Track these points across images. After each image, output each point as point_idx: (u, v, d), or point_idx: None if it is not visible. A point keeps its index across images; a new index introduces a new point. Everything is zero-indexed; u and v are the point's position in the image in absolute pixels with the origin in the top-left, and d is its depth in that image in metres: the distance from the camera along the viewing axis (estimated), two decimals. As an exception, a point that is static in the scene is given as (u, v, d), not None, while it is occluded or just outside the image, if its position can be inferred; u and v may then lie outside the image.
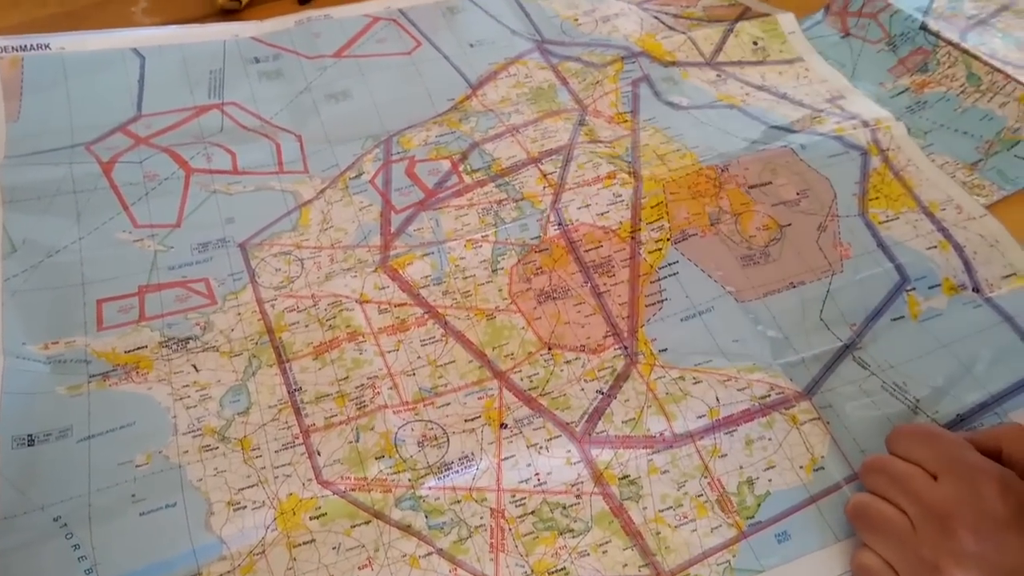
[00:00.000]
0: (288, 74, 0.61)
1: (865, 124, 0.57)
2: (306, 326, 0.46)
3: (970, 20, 0.68)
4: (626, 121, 0.59)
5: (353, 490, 0.40)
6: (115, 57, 0.59)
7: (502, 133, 0.57)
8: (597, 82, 0.62)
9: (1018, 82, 0.60)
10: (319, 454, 0.41)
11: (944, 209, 0.54)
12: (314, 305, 0.47)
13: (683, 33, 0.65)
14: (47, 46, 0.59)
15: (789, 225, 0.52)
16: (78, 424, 0.42)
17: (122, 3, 0.66)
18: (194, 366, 0.45)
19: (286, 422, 0.43)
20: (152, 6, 0.66)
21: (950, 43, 0.64)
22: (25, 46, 0.58)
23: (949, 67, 0.63)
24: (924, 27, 0.65)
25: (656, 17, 0.68)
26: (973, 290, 0.50)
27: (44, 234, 0.49)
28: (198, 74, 0.60)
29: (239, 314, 0.47)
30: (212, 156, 0.55)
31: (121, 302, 0.47)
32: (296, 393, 0.44)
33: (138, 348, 0.45)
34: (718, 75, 0.63)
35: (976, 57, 0.62)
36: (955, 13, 0.69)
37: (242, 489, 0.40)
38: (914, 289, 0.49)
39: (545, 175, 0.54)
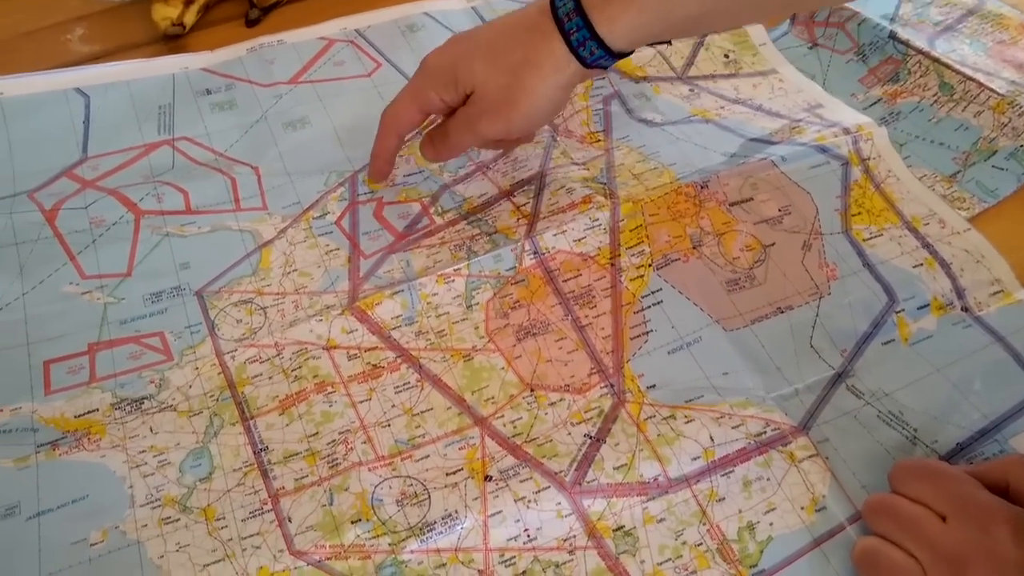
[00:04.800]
0: (242, 104, 0.58)
1: (846, 131, 0.56)
2: (270, 378, 0.43)
3: (937, 27, 0.68)
4: (599, 141, 0.57)
5: (329, 559, 0.37)
6: (58, 99, 0.56)
7: (472, 172, 0.54)
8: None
9: (991, 90, 0.59)
10: (290, 521, 0.38)
11: (927, 224, 0.53)
12: (278, 355, 0.44)
13: (652, 47, 0.63)
14: (-15, 91, 0.55)
15: (773, 245, 0.50)
16: (26, 500, 0.38)
17: (57, 31, 0.63)
18: (150, 428, 0.41)
19: (253, 486, 0.40)
20: (89, 33, 0.63)
21: (920, 52, 0.63)
22: (-39, 92, 0.55)
23: (921, 76, 0.62)
24: (893, 36, 0.64)
25: (623, 32, 0.66)
26: (962, 309, 0.48)
27: (-17, 291, 0.46)
28: (146, 110, 0.56)
29: (197, 368, 0.43)
30: (163, 196, 0.52)
31: (70, 362, 0.43)
32: (262, 453, 0.41)
33: (89, 412, 0.42)
34: (691, 89, 0.61)
35: (947, 66, 0.61)
36: (922, 20, 0.68)
37: (208, 565, 0.37)
38: (903, 310, 0.48)
39: (518, 207, 0.52)
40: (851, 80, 0.64)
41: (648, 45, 0.60)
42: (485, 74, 0.45)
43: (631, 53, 0.46)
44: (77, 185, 0.51)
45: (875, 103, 0.62)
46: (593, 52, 0.44)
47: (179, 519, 0.38)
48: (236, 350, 0.44)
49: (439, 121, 0.50)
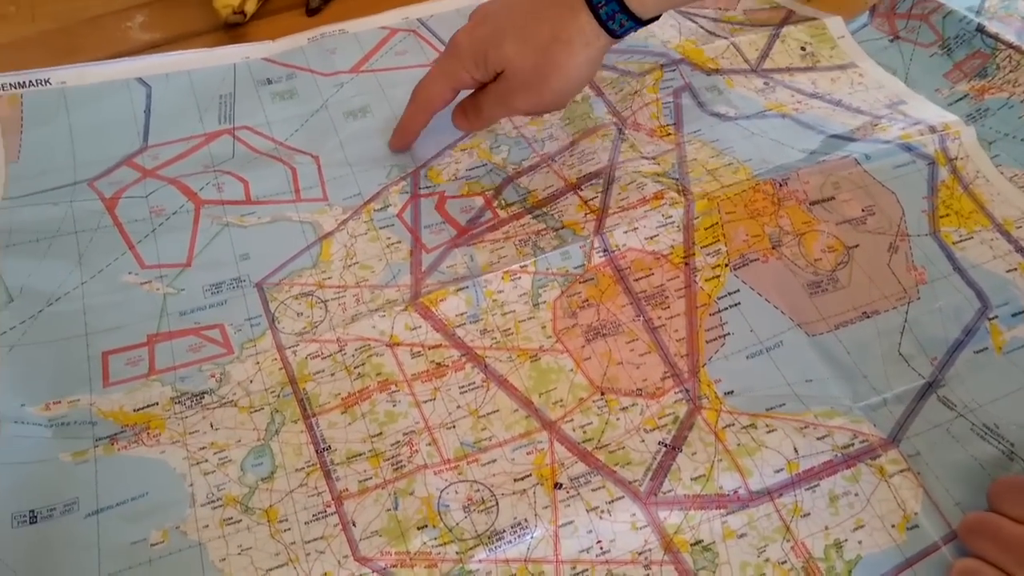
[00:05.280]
0: (302, 93, 0.57)
1: (932, 129, 0.53)
2: (332, 375, 0.42)
3: (1025, 19, 0.64)
4: (669, 135, 0.55)
5: (395, 567, 0.36)
6: (119, 88, 0.55)
7: (537, 164, 0.52)
8: (635, 92, 0.57)
9: (1088, 86, 0.55)
10: (354, 525, 0.37)
11: (1020, 227, 0.49)
12: (340, 351, 0.43)
13: (725, 39, 0.61)
14: (47, 81, 0.54)
15: (857, 246, 0.47)
16: (85, 496, 0.37)
17: (118, 18, 0.62)
18: (211, 424, 0.40)
19: (315, 487, 0.38)
20: (150, 21, 0.62)
21: (1011, 46, 0.59)
22: (24, 82, 0.54)
23: (1010, 71, 0.59)
24: (981, 29, 0.60)
25: (694, 21, 0.63)
26: (1061, 318, 0.45)
27: (43, 280, 0.45)
28: (207, 99, 0.55)
29: (258, 363, 0.42)
30: (223, 185, 0.51)
31: (129, 354, 0.42)
32: (325, 453, 0.39)
33: (148, 406, 0.41)
34: (765, 83, 0.58)
35: (1040, 60, 0.58)
36: (1009, 13, 0.64)
37: (270, 570, 0.35)
38: (996, 317, 0.45)
39: (586, 201, 0.50)
40: (935, 75, 0.60)
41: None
42: (515, 53, 0.46)
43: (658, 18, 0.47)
44: (137, 174, 0.51)
45: (961, 99, 0.59)
46: (623, 24, 0.45)
47: (241, 520, 0.37)
48: (297, 345, 0.43)
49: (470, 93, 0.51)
